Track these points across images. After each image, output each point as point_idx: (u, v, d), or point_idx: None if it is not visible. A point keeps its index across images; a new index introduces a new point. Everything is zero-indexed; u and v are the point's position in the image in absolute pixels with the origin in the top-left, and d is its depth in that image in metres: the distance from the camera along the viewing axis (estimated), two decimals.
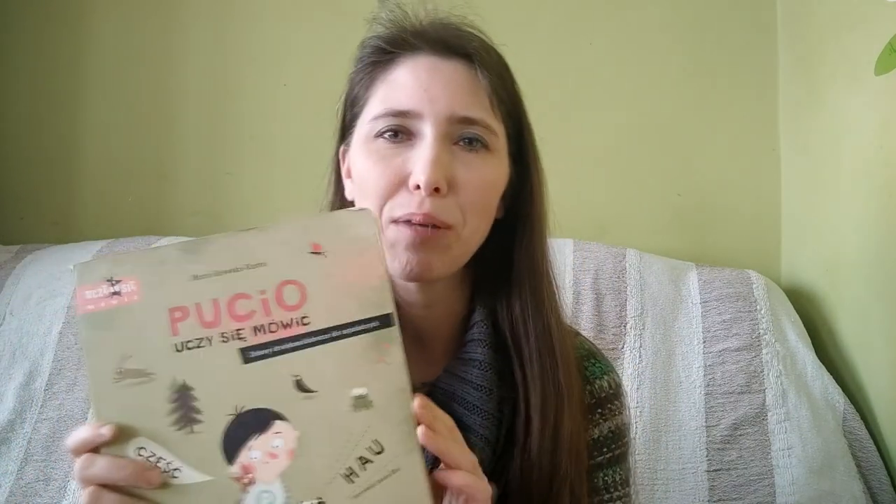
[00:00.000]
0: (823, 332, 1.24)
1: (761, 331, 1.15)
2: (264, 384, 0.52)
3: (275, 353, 0.52)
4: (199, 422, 0.51)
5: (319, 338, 0.53)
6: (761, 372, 1.12)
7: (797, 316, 1.21)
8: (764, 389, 1.10)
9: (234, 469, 0.51)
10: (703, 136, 1.44)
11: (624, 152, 1.45)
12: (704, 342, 1.15)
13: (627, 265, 1.25)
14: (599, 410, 0.72)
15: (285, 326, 0.53)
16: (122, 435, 0.50)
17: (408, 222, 0.63)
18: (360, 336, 0.53)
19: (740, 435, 1.07)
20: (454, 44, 0.67)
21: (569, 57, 1.45)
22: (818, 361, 1.15)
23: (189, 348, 0.52)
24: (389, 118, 0.65)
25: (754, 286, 1.22)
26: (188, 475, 0.50)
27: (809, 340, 1.18)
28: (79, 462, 0.51)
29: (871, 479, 1.05)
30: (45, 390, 1.12)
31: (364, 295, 0.54)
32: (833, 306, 1.23)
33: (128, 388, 0.51)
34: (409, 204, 0.63)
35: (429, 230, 0.63)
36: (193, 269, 0.53)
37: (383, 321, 0.54)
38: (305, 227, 0.54)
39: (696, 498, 1.04)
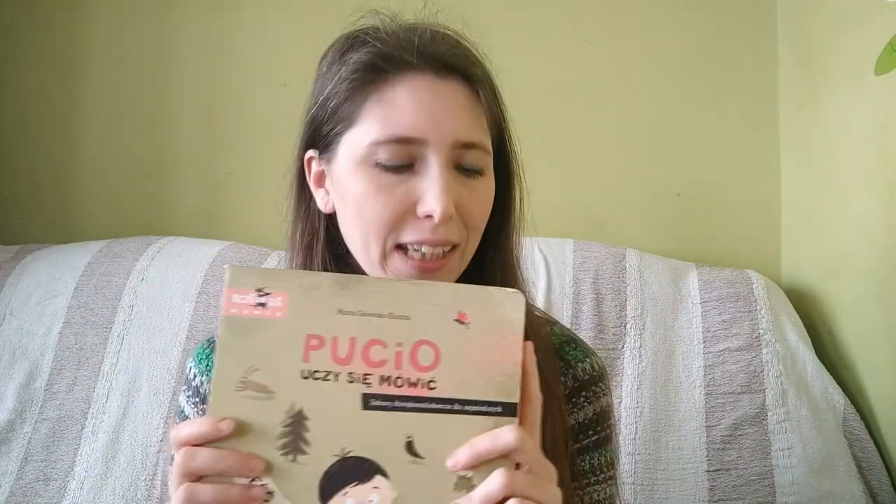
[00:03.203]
0: (823, 332, 1.24)
1: (761, 331, 1.15)
2: (376, 435, 0.52)
3: (395, 408, 0.52)
4: (305, 453, 0.51)
5: (442, 406, 0.52)
6: (761, 372, 1.12)
7: (797, 316, 1.21)
8: (764, 389, 1.10)
9: None
10: (703, 136, 1.44)
11: (624, 152, 1.45)
12: (704, 342, 1.15)
13: (627, 265, 1.25)
14: (583, 394, 0.73)
15: (411, 385, 0.52)
16: (226, 444, 0.50)
17: (416, 250, 0.63)
18: (481, 417, 0.53)
19: (740, 435, 1.07)
20: (452, 62, 0.66)
21: (568, 57, 1.45)
22: (818, 361, 1.15)
23: (315, 378, 0.52)
24: (394, 145, 0.63)
25: (754, 286, 1.22)
26: (279, 503, 0.50)
27: (809, 340, 1.18)
28: (182, 454, 0.51)
29: (871, 479, 1.05)
30: (45, 390, 1.12)
31: (495, 377, 0.53)
32: (833, 306, 1.23)
33: (247, 398, 0.51)
34: (419, 231, 0.63)
35: (438, 261, 0.64)
36: (341, 302, 0.53)
37: (507, 409, 0.53)
38: (457, 293, 0.54)
39: (696, 498, 1.04)
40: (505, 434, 0.52)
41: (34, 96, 1.45)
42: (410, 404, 0.52)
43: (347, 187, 0.65)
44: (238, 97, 1.45)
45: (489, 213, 0.69)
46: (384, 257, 0.65)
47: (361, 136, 0.64)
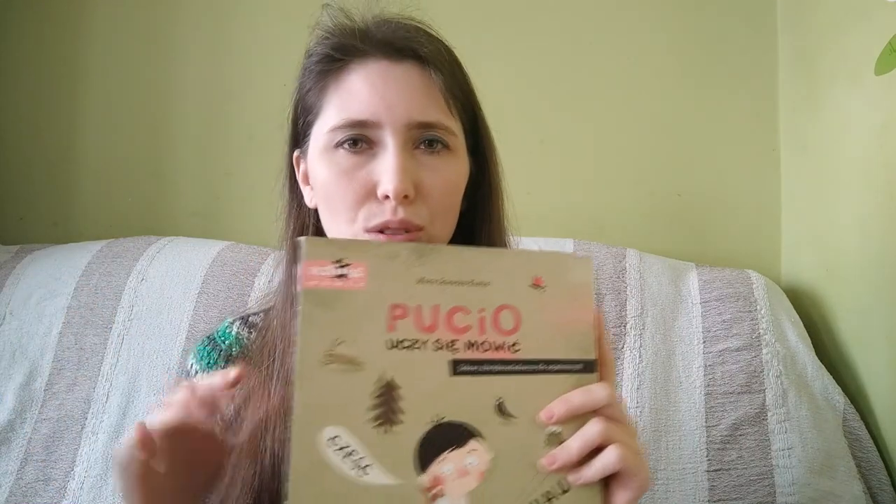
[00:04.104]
0: (823, 332, 1.24)
1: (761, 331, 1.15)
2: (468, 400, 0.52)
3: (482, 372, 0.53)
4: (399, 422, 0.50)
5: (526, 367, 0.54)
6: (761, 372, 1.12)
7: (797, 316, 1.21)
8: (764, 389, 1.10)
9: (425, 479, 0.50)
10: (703, 136, 1.44)
11: (624, 152, 1.45)
12: (704, 342, 1.15)
13: (627, 265, 1.25)
14: None
15: (496, 349, 0.54)
16: (317, 420, 0.49)
17: (382, 231, 0.64)
18: (563, 375, 0.55)
19: (740, 435, 1.07)
20: (404, 46, 0.68)
21: (568, 57, 1.45)
22: (818, 361, 1.15)
23: (402, 348, 0.52)
24: (348, 129, 0.65)
25: (754, 286, 1.22)
26: (377, 475, 0.50)
27: (809, 340, 1.18)
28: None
29: (871, 479, 1.05)
30: (45, 390, 1.12)
31: (573, 337, 0.56)
32: (833, 306, 1.23)
33: (335, 372, 0.50)
34: (381, 213, 0.64)
35: (403, 235, 0.64)
36: (421, 271, 0.53)
37: (588, 366, 0.56)
38: (531, 259, 0.56)
39: (696, 498, 1.04)
40: (598, 390, 0.55)
41: (34, 96, 1.45)
42: (497, 367, 0.53)
43: (317, 175, 0.68)
44: (238, 97, 1.45)
45: (457, 192, 0.69)
46: None
47: (323, 124, 0.67)
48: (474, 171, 0.72)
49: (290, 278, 0.71)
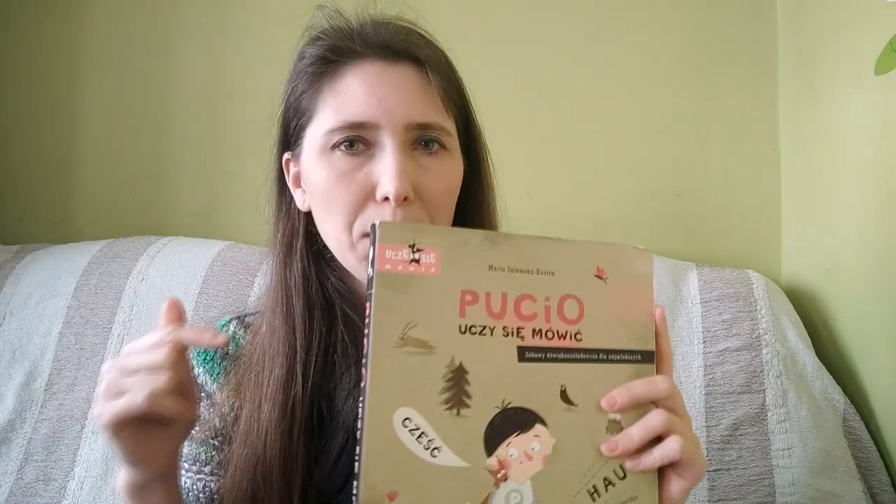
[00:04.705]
0: (823, 332, 1.24)
1: (761, 331, 1.15)
2: (533, 386, 0.54)
3: (547, 359, 0.54)
4: (467, 406, 0.52)
5: (589, 356, 0.56)
6: (761, 372, 1.12)
7: (797, 316, 1.21)
8: (764, 389, 1.10)
9: (492, 462, 0.52)
10: (703, 136, 1.44)
11: (624, 152, 1.45)
12: (704, 342, 1.15)
13: None
14: None
15: (560, 337, 0.55)
16: (391, 401, 0.50)
17: None
18: (623, 364, 0.56)
19: (740, 435, 1.07)
20: (400, 48, 0.68)
21: (568, 57, 1.45)
22: (818, 361, 1.15)
23: (472, 333, 0.53)
24: (346, 130, 0.65)
25: (754, 286, 1.22)
26: (447, 457, 0.51)
27: (809, 340, 1.18)
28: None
29: (871, 479, 1.05)
30: (45, 390, 1.12)
31: (633, 327, 0.57)
32: (833, 306, 1.23)
33: (408, 355, 0.51)
34: (381, 215, 0.64)
35: None
36: (491, 258, 0.54)
37: (646, 357, 0.57)
38: (594, 250, 0.58)
39: (696, 498, 1.04)
40: (660, 381, 0.56)
41: (34, 96, 1.45)
42: (561, 355, 0.55)
43: (312, 179, 0.67)
44: (238, 97, 1.45)
45: (454, 193, 0.70)
46: (353, 245, 0.66)
47: (319, 126, 0.67)
48: (467, 171, 0.72)
49: (281, 280, 0.72)
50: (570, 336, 0.55)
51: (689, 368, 1.13)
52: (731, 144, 1.43)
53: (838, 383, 1.14)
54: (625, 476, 0.54)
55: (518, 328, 0.54)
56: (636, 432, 0.55)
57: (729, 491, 1.04)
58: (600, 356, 0.56)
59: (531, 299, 0.54)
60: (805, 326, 1.21)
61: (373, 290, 0.52)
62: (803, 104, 1.34)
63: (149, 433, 0.56)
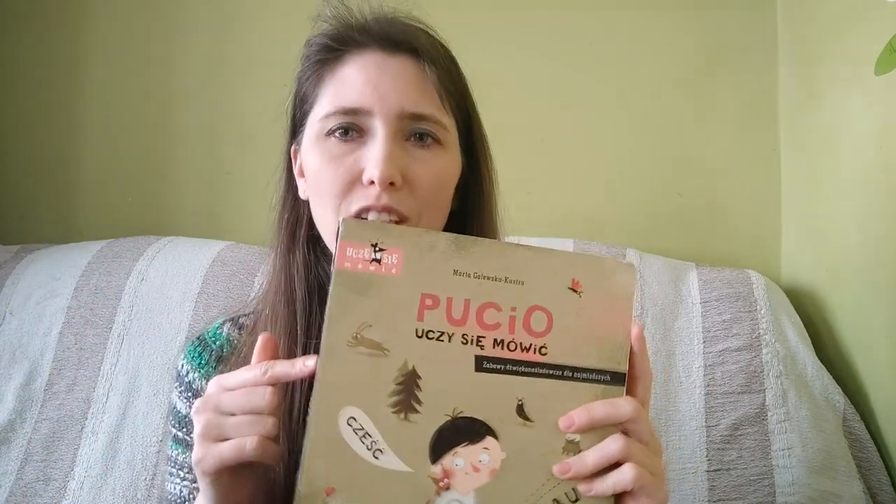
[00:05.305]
0: (823, 332, 1.24)
1: (761, 331, 1.15)
2: (488, 397, 0.52)
3: (506, 371, 0.53)
4: (416, 412, 0.51)
5: (552, 371, 0.53)
6: (761, 372, 1.12)
7: (797, 316, 1.21)
8: (764, 389, 1.10)
9: (436, 469, 0.51)
10: (703, 136, 1.44)
11: (624, 152, 1.45)
12: (704, 342, 1.15)
13: None
14: None
15: (524, 350, 0.53)
16: (338, 399, 0.50)
17: (362, 215, 0.64)
18: (589, 384, 0.53)
19: (740, 435, 1.07)
20: (400, 39, 0.68)
21: (569, 57, 1.45)
22: (818, 361, 1.15)
23: (429, 338, 0.52)
24: (340, 116, 0.65)
25: (754, 286, 1.22)
26: (389, 460, 0.50)
27: (809, 340, 1.18)
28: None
29: (871, 479, 1.05)
30: (45, 390, 1.12)
31: (605, 346, 0.54)
32: (833, 306, 1.23)
33: (360, 355, 0.51)
34: (365, 198, 0.64)
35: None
36: (457, 263, 0.53)
37: (616, 378, 0.54)
38: (571, 261, 0.55)
39: (696, 498, 1.04)
40: (623, 404, 0.53)
41: (34, 96, 1.45)
42: (522, 368, 0.53)
43: (309, 163, 0.68)
44: (238, 97, 1.45)
45: (447, 187, 0.69)
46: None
47: (317, 113, 0.67)
48: (467, 170, 0.72)
49: (285, 266, 0.72)
50: (535, 349, 0.53)
51: (689, 368, 1.13)
52: (731, 144, 1.43)
53: (838, 383, 1.14)
54: (577, 500, 0.52)
55: (478, 337, 0.52)
56: (591, 457, 0.52)
57: (729, 491, 1.04)
58: (565, 373, 0.53)
59: (496, 308, 0.53)
60: (805, 326, 1.21)
61: (331, 287, 0.51)
62: (803, 104, 1.34)
63: (242, 476, 0.55)
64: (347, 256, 0.51)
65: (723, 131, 1.44)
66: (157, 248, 1.26)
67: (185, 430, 0.73)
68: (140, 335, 1.15)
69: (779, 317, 1.18)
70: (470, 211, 0.74)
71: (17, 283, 1.22)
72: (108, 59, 1.46)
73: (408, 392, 0.51)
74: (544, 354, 0.53)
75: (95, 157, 1.45)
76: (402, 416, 0.50)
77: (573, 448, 0.52)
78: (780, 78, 1.42)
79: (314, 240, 0.73)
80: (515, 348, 0.53)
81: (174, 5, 1.46)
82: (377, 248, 0.52)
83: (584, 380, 0.53)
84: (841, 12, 1.20)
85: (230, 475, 0.54)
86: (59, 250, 1.29)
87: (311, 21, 0.73)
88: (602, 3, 1.46)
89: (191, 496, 0.71)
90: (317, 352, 0.67)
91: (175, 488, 0.72)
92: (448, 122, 0.69)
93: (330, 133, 0.66)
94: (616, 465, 0.53)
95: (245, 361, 0.71)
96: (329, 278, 0.71)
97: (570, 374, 0.53)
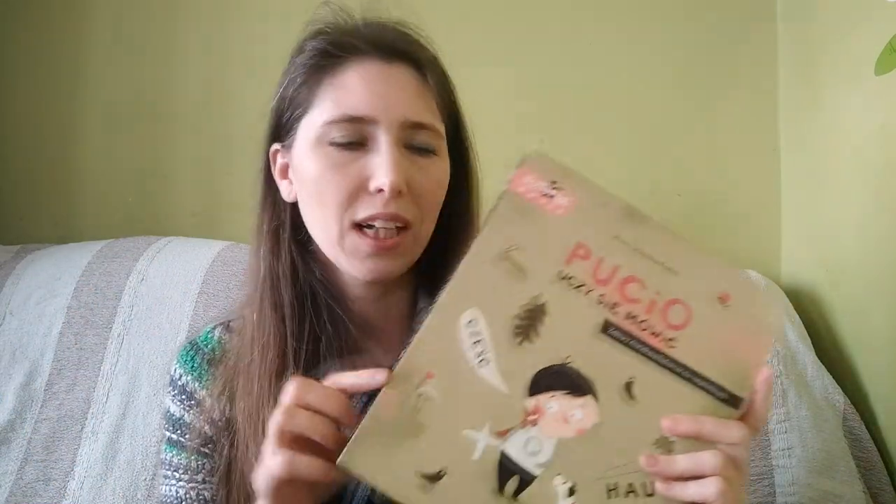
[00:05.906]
0: (823, 332, 1.24)
1: None
2: (602, 361, 0.52)
3: (628, 346, 0.53)
4: (532, 342, 0.52)
5: (672, 367, 0.53)
6: None
7: (797, 316, 1.21)
8: None
9: (529, 403, 0.51)
10: (703, 136, 1.44)
11: (624, 152, 1.45)
12: None
13: None
14: None
15: (653, 334, 0.53)
16: (467, 298, 0.51)
17: (370, 227, 0.65)
18: (704, 394, 0.53)
19: None
20: (400, 48, 0.69)
21: (569, 56, 1.45)
22: (818, 361, 1.15)
23: (570, 283, 0.53)
24: (344, 123, 0.66)
25: None
26: (491, 374, 0.51)
27: (809, 340, 1.18)
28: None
29: (871, 479, 1.05)
30: (45, 390, 1.12)
31: (733, 365, 0.54)
32: (833, 306, 1.23)
33: (502, 271, 0.52)
34: (372, 206, 0.65)
35: (391, 240, 0.65)
36: (621, 230, 0.54)
37: (731, 401, 0.53)
38: (728, 275, 0.55)
39: None
40: (735, 428, 0.52)
41: (34, 96, 1.45)
42: (645, 350, 0.53)
43: (305, 169, 0.68)
44: (238, 97, 1.45)
45: (443, 194, 0.70)
46: (342, 236, 0.67)
47: (316, 118, 0.68)
48: (452, 175, 0.73)
49: (269, 270, 0.72)
50: (664, 339, 0.53)
51: None
52: (731, 144, 1.43)
53: (838, 383, 1.13)
54: (651, 494, 0.52)
55: (614, 303, 0.53)
56: (683, 463, 0.51)
57: None
58: (684, 373, 0.53)
59: (641, 285, 0.53)
60: (805, 326, 1.21)
61: (499, 203, 0.53)
62: (803, 104, 1.34)
63: (301, 491, 0.55)
64: (523, 182, 0.53)
65: (723, 131, 1.44)
66: (157, 248, 1.26)
67: (178, 432, 0.74)
68: (140, 335, 1.15)
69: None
70: (452, 215, 0.74)
71: (17, 283, 1.22)
72: (108, 60, 1.46)
73: (531, 322, 0.52)
74: (672, 347, 0.53)
75: (95, 157, 1.45)
76: (518, 339, 0.51)
77: (665, 444, 0.52)
78: (781, 78, 1.42)
79: (300, 244, 0.73)
80: (646, 329, 0.53)
81: (174, 5, 1.46)
82: (554, 186, 0.54)
83: (700, 387, 0.53)
84: (841, 12, 1.20)
85: (294, 487, 0.54)
86: (59, 250, 1.29)
87: (306, 25, 0.73)
88: (602, 3, 1.46)
89: (187, 496, 0.71)
90: (309, 358, 0.67)
91: (171, 490, 0.73)
92: (442, 129, 0.70)
93: (332, 140, 0.66)
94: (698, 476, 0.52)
95: (238, 357, 0.71)
96: (322, 284, 0.71)
97: (689, 377, 0.53)
